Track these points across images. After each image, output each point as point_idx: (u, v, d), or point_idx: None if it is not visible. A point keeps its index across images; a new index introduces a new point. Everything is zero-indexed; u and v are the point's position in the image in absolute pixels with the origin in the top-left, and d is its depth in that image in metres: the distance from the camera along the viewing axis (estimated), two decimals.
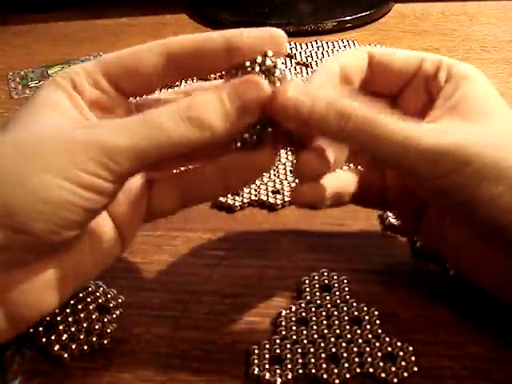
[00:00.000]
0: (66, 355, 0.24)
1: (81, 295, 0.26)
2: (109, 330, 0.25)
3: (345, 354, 0.23)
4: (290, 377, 0.23)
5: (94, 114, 0.23)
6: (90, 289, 0.27)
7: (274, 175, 0.36)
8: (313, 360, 0.23)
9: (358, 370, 0.23)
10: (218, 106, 0.20)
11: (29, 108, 0.22)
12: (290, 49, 0.54)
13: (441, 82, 0.24)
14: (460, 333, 0.25)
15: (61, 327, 0.25)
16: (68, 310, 0.26)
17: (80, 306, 0.26)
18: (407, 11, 0.61)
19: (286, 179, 0.35)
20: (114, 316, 0.26)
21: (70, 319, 0.25)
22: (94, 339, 0.25)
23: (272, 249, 0.30)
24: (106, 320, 0.25)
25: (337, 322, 0.25)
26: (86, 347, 0.24)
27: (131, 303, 0.27)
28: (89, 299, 0.26)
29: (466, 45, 0.53)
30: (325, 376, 0.23)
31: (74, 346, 0.24)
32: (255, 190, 0.34)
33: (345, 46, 0.54)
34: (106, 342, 0.25)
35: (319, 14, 0.59)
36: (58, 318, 0.25)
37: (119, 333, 0.25)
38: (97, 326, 0.25)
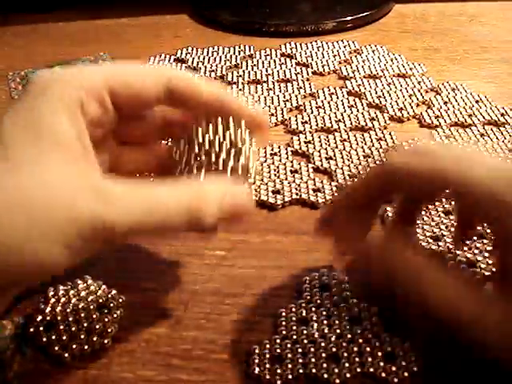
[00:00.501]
0: (66, 355, 0.24)
1: (82, 295, 0.26)
2: (109, 330, 0.25)
3: (345, 354, 0.23)
4: (290, 377, 0.23)
5: (88, 129, 0.22)
6: (91, 288, 0.27)
7: (274, 175, 0.36)
8: (313, 360, 0.23)
9: (359, 370, 0.23)
10: (217, 204, 0.22)
11: (36, 141, 0.20)
12: (290, 49, 0.54)
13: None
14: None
15: (61, 327, 0.25)
16: (69, 310, 0.26)
17: (81, 306, 0.26)
18: (407, 11, 0.61)
19: (286, 179, 0.36)
20: (115, 316, 0.26)
21: (71, 319, 0.25)
22: (95, 339, 0.25)
23: (272, 249, 0.30)
24: (106, 320, 0.25)
25: (337, 322, 0.25)
26: (86, 347, 0.24)
27: (132, 303, 0.27)
28: (89, 299, 0.26)
29: (466, 45, 0.53)
30: (325, 376, 0.23)
31: (74, 346, 0.24)
32: (255, 190, 0.34)
33: (345, 47, 0.54)
34: (106, 341, 0.25)
35: (319, 14, 0.59)
36: (59, 318, 0.25)
37: (120, 332, 0.25)
38: (97, 326, 0.25)
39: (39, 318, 0.25)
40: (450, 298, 0.21)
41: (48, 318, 0.25)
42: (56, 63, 0.52)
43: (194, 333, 0.25)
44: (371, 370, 0.23)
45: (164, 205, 0.20)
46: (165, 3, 0.63)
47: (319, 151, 0.38)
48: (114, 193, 0.20)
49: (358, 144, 0.39)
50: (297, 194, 0.34)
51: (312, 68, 0.51)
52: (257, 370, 0.23)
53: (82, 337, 0.25)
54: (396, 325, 0.25)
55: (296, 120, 0.42)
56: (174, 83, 0.24)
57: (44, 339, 0.25)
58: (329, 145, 0.39)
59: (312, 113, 0.43)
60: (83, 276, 0.27)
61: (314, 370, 0.23)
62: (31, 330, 0.25)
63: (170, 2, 0.63)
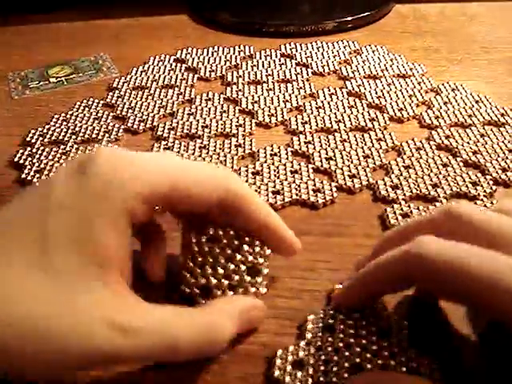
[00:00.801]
0: None
1: None
2: None
3: (368, 366, 0.23)
4: (310, 383, 0.22)
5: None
6: None
7: (274, 175, 0.36)
8: (335, 368, 0.23)
9: None
10: (229, 331, 0.22)
11: (86, 264, 0.20)
12: (290, 49, 0.54)
13: None
14: (460, 333, 0.25)
15: None
16: None
17: None
18: (407, 12, 0.61)
19: (286, 179, 0.36)
20: None
21: None
22: None
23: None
24: None
25: (364, 332, 0.24)
26: None
27: None
28: None
29: (466, 45, 0.53)
30: None
31: None
32: (255, 191, 0.34)
33: (345, 47, 0.54)
34: None
35: (320, 15, 0.59)
36: None
37: None
38: None
39: None
40: None
41: None
42: (56, 63, 0.52)
43: None
44: None
45: (179, 342, 0.20)
46: (165, 4, 0.63)
47: (319, 151, 0.38)
48: (131, 327, 0.19)
49: (357, 144, 0.39)
50: (297, 195, 0.34)
51: (312, 68, 0.50)
52: (277, 373, 0.23)
53: None
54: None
55: (296, 120, 0.42)
56: (230, 197, 0.24)
57: None
58: (329, 145, 0.39)
59: (312, 113, 0.43)
60: None
61: (334, 379, 0.22)
62: None
63: (170, 3, 0.63)
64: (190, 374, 0.24)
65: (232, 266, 0.25)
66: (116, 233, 0.21)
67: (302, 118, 0.43)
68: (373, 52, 0.53)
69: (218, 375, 0.24)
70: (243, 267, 0.26)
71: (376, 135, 0.40)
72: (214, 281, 0.25)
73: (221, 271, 0.25)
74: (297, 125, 0.42)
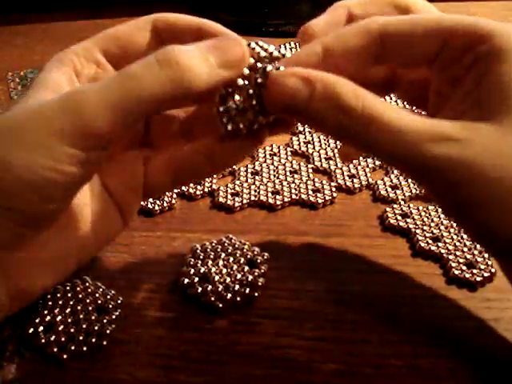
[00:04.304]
0: (65, 356, 0.24)
1: (80, 296, 0.26)
2: (108, 331, 0.25)
3: None
4: None
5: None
6: (89, 290, 0.27)
7: (274, 176, 0.36)
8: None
9: None
10: (197, 53, 0.20)
11: (29, 91, 0.21)
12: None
13: (466, 67, 0.20)
14: (460, 333, 0.25)
15: (60, 328, 0.25)
16: (67, 311, 0.26)
17: (79, 307, 0.26)
18: None
19: (286, 180, 0.35)
20: (113, 317, 0.26)
21: (69, 320, 0.25)
22: (93, 340, 0.25)
23: (272, 249, 0.30)
24: (105, 321, 0.25)
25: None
26: (85, 348, 0.24)
27: (130, 304, 0.27)
28: (88, 300, 0.26)
29: None
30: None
31: (73, 347, 0.24)
32: (255, 191, 0.34)
33: None
34: (105, 342, 0.25)
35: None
36: (58, 319, 0.25)
37: (118, 334, 0.25)
38: (96, 327, 0.25)
39: (38, 319, 0.25)
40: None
41: (46, 319, 0.25)
42: None
43: (193, 334, 0.25)
44: None
45: (131, 69, 0.19)
46: (165, 3, 0.63)
47: (319, 151, 0.38)
48: (86, 84, 0.20)
49: None
50: (296, 195, 0.34)
51: None
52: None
53: (81, 338, 0.25)
54: (396, 325, 0.25)
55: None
56: (159, 21, 0.24)
57: (42, 340, 0.24)
58: (328, 145, 0.39)
59: None
60: (82, 277, 0.27)
61: None
62: (30, 331, 0.25)
63: (169, 2, 0.63)
64: (190, 373, 0.24)
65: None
66: (60, 72, 0.23)
67: None
68: None
69: (218, 375, 0.23)
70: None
71: None
72: None
73: None
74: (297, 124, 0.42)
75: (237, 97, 0.21)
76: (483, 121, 0.19)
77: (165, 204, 0.33)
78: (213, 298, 0.26)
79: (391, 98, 0.43)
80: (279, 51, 0.22)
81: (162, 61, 0.19)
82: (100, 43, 0.24)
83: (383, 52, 0.21)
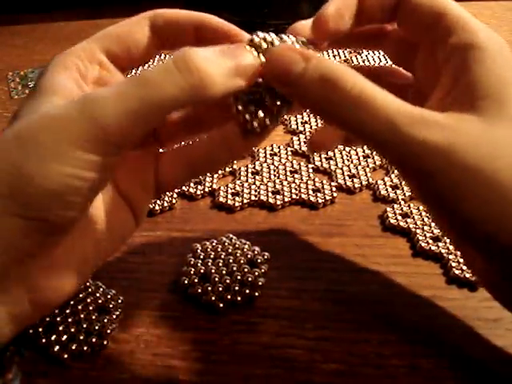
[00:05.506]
0: (65, 355, 0.24)
1: (81, 296, 0.26)
2: (108, 331, 0.25)
3: None
4: None
5: None
6: (90, 289, 0.27)
7: (274, 175, 0.36)
8: None
9: None
10: (215, 60, 0.19)
11: (35, 95, 0.21)
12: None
13: (449, 51, 0.21)
14: (460, 333, 0.25)
15: (61, 328, 0.25)
16: (68, 311, 0.26)
17: (80, 307, 0.26)
18: None
19: (286, 179, 0.35)
20: (114, 316, 0.26)
21: (70, 320, 0.25)
22: (94, 340, 0.25)
23: (272, 249, 0.30)
24: (105, 320, 0.25)
25: None
26: (85, 348, 0.24)
27: (131, 304, 0.27)
28: (89, 300, 0.26)
29: None
30: None
31: (73, 347, 0.24)
32: (255, 191, 0.34)
33: None
34: (105, 342, 0.25)
35: None
36: (58, 319, 0.25)
37: (119, 333, 0.25)
38: (97, 327, 0.25)
39: None
40: None
41: (47, 318, 0.25)
42: None
43: (193, 334, 0.25)
44: None
45: (146, 73, 0.18)
46: (164, 3, 0.63)
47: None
48: (100, 89, 0.19)
49: None
50: (296, 195, 0.34)
51: None
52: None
53: (82, 337, 0.25)
54: (396, 325, 0.25)
55: (296, 120, 0.42)
56: (156, 17, 0.24)
57: (43, 340, 0.25)
58: None
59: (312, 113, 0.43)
60: None
61: None
62: (30, 331, 0.25)
63: (169, 2, 0.63)
64: (190, 374, 0.24)
65: None
66: (64, 76, 0.22)
67: (302, 118, 0.43)
68: (372, 52, 0.53)
69: (218, 375, 0.24)
70: None
71: None
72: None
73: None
74: (296, 124, 0.42)
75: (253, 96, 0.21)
76: (468, 112, 0.19)
77: (165, 204, 0.34)
78: (213, 298, 0.26)
79: None
80: (281, 39, 0.22)
81: (181, 66, 0.19)
82: (100, 43, 0.24)
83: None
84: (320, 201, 0.33)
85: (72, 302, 0.26)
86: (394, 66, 0.26)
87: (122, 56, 0.24)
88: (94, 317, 0.25)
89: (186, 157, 0.24)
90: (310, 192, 0.34)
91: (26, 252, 0.20)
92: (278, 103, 0.21)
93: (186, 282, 0.27)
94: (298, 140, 0.40)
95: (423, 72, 0.24)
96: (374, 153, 0.38)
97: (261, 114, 0.21)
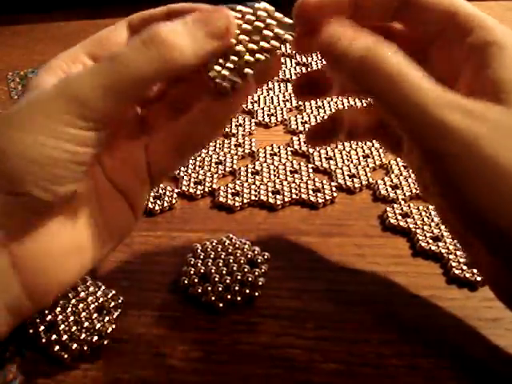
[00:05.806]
0: (66, 355, 0.24)
1: (81, 295, 0.26)
2: (109, 331, 0.25)
3: None
4: None
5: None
6: (90, 289, 0.27)
7: (274, 175, 0.36)
8: None
9: None
10: (180, 28, 0.20)
11: (24, 94, 0.22)
12: (290, 49, 0.54)
13: (467, 50, 0.21)
14: (460, 333, 0.25)
15: (61, 327, 0.25)
16: (68, 311, 0.26)
17: (80, 307, 0.26)
18: None
19: (286, 179, 0.35)
20: (114, 316, 0.26)
21: (71, 319, 0.25)
22: (95, 339, 0.25)
23: (272, 249, 0.30)
24: (106, 320, 0.25)
25: None
26: (86, 347, 0.24)
27: (131, 303, 0.27)
28: (89, 299, 0.26)
29: None
30: None
31: (74, 347, 0.24)
32: (255, 191, 0.34)
33: None
34: (106, 342, 0.25)
35: None
36: (59, 319, 0.25)
37: (119, 333, 0.25)
38: (97, 327, 0.25)
39: (38, 318, 0.25)
40: None
41: (48, 318, 0.25)
42: None
43: (193, 334, 0.25)
44: None
45: (119, 52, 0.20)
46: (164, 3, 0.63)
47: (319, 151, 0.38)
48: (78, 71, 0.20)
49: (357, 144, 0.39)
50: (296, 195, 0.34)
51: (312, 68, 0.50)
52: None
53: (82, 337, 0.25)
54: (396, 325, 0.25)
55: (296, 120, 0.42)
56: (133, 19, 0.25)
57: (44, 340, 0.25)
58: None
59: (312, 113, 0.43)
60: (83, 277, 0.27)
61: None
62: (31, 331, 0.25)
63: (169, 2, 0.63)
64: (190, 373, 0.24)
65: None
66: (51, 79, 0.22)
67: (302, 118, 0.43)
68: None
69: (219, 375, 0.24)
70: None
71: None
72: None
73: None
74: (296, 124, 0.42)
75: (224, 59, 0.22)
76: (494, 102, 0.19)
77: (165, 204, 0.34)
78: (213, 298, 0.26)
79: None
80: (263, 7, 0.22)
81: (146, 40, 0.20)
82: (83, 48, 0.24)
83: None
84: (320, 201, 0.33)
85: (72, 302, 0.26)
86: None
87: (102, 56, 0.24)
88: (94, 316, 0.25)
89: (172, 142, 0.25)
90: (310, 192, 0.34)
91: (12, 233, 0.20)
92: (247, 58, 0.22)
93: (186, 281, 0.27)
94: (298, 140, 0.40)
95: (439, 72, 0.23)
96: (374, 153, 0.38)
97: (226, 72, 0.22)
